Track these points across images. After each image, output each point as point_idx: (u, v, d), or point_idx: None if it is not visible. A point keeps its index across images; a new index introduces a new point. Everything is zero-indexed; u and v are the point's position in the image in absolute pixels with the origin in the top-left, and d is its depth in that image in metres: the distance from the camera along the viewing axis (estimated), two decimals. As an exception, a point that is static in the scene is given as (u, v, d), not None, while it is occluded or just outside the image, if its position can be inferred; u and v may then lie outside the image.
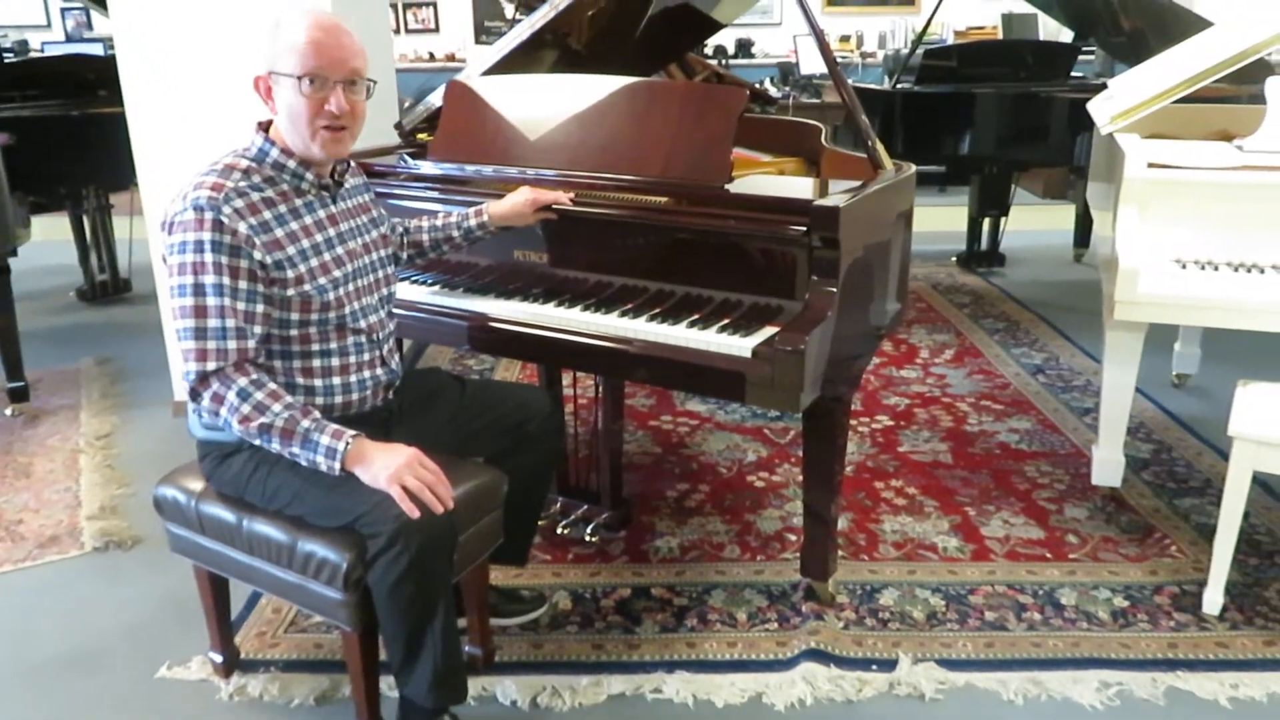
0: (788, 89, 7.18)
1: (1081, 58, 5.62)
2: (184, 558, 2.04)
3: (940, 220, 6.42)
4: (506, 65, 2.70)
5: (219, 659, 2.12)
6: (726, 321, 2.02)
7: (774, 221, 1.99)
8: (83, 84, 4.81)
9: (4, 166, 3.40)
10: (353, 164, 2.01)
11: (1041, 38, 7.38)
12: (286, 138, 1.81)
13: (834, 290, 1.94)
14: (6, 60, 5.25)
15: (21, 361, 3.59)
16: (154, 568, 2.54)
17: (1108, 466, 2.76)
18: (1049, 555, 2.57)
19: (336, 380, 1.88)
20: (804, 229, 1.94)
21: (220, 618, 2.09)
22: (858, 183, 2.17)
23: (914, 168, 2.37)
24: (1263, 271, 2.39)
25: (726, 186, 2.15)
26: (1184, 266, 2.44)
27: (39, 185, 4.37)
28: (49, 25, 8.78)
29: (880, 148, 2.35)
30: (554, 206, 2.18)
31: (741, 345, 1.93)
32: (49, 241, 5.57)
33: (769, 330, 1.96)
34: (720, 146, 2.17)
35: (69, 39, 8.67)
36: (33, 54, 7.84)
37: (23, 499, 2.94)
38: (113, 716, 2.04)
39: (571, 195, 2.19)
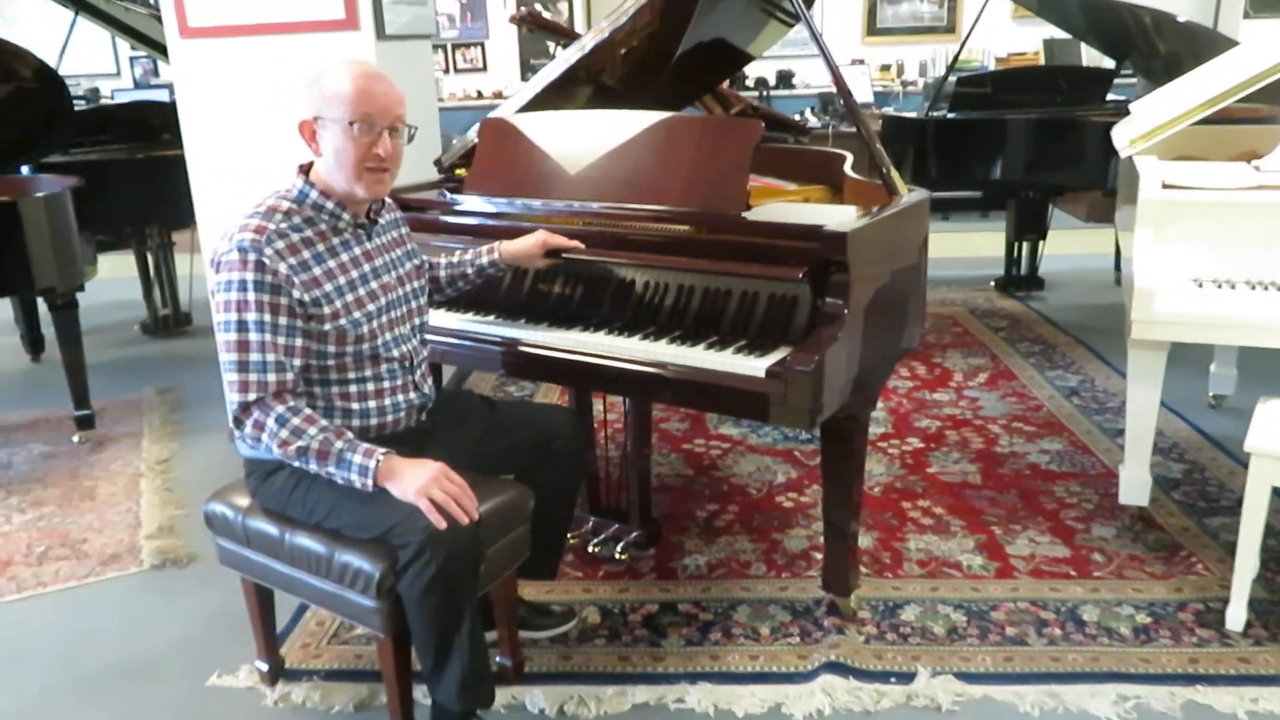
0: (828, 118, 7.27)
1: (1124, 81, 5.64)
2: (234, 573, 2.16)
3: (981, 245, 6.45)
4: (541, 102, 2.83)
5: (265, 668, 2.24)
6: (743, 343, 2.10)
7: (786, 247, 2.08)
8: (147, 128, 5.06)
9: (73, 207, 3.62)
10: (387, 200, 2.13)
11: (1085, 63, 7.38)
12: (330, 179, 1.93)
13: (844, 312, 2.01)
14: (78, 108, 5.54)
15: (88, 391, 3.79)
16: (207, 584, 2.68)
17: (1135, 486, 2.78)
18: (1073, 573, 2.59)
19: (372, 404, 2.00)
20: (814, 253, 2.02)
21: (266, 628, 2.21)
22: (874, 209, 2.26)
23: (928, 193, 2.44)
24: (1280, 289, 2.42)
25: (744, 214, 2.24)
26: (1200, 285, 2.48)
27: (105, 225, 4.61)
28: (119, 73, 9.20)
29: (895, 174, 2.43)
30: (564, 254, 2.28)
31: (756, 366, 2.01)
32: (115, 278, 5.83)
33: (783, 351, 2.04)
34: (736, 176, 2.27)
35: (137, 85, 9.08)
36: (103, 101, 8.22)
37: (87, 520, 3.11)
38: (166, 721, 2.18)
39: (581, 227, 2.29)
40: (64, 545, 2.94)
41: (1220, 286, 2.47)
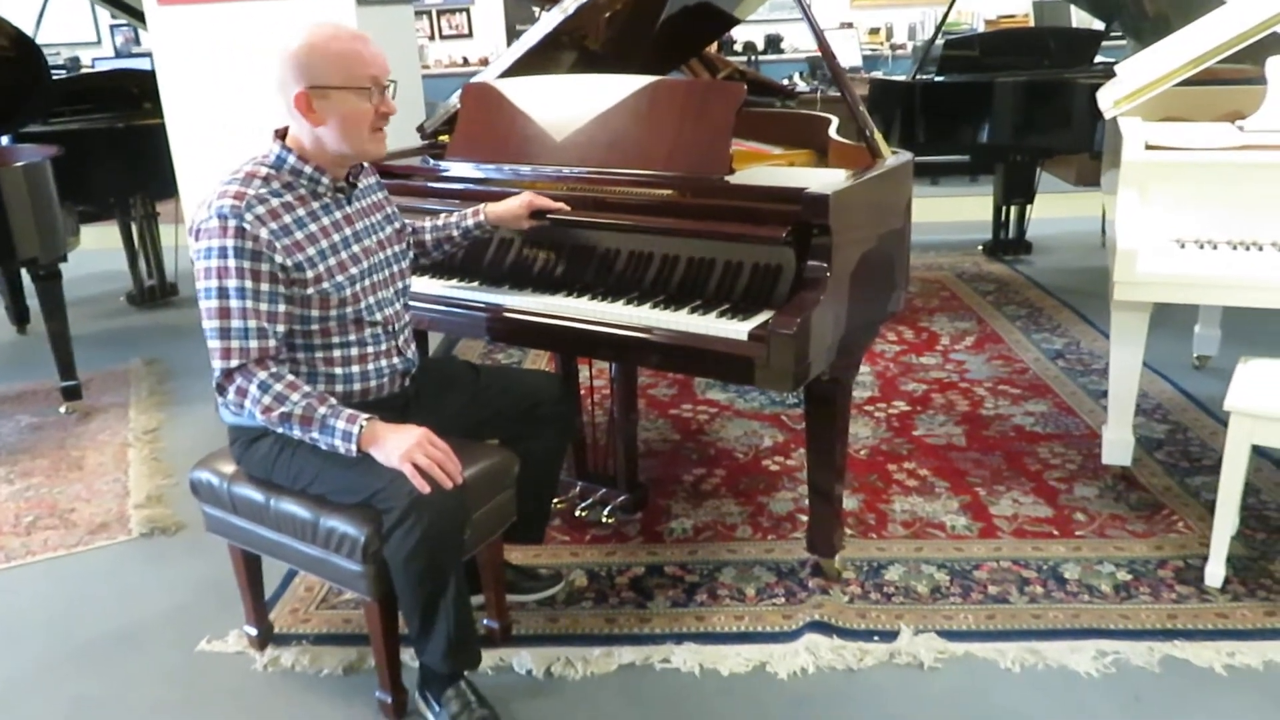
0: (816, 83, 7.23)
1: (1114, 44, 5.60)
2: (222, 540, 2.18)
3: (969, 209, 6.44)
4: (523, 66, 2.80)
5: (254, 633, 2.26)
6: (726, 307, 2.11)
7: (768, 211, 2.08)
8: (128, 97, 5.01)
9: (54, 177, 3.58)
10: (365, 165, 2.12)
11: (1074, 25, 7.34)
12: (335, 146, 1.90)
13: (827, 275, 2.02)
14: (58, 77, 5.48)
15: (74, 362, 3.78)
16: (196, 552, 2.69)
17: (1117, 446, 2.80)
18: (1056, 532, 2.62)
19: (355, 369, 2.00)
20: (797, 216, 2.02)
21: (254, 594, 2.23)
22: (857, 171, 2.25)
23: (911, 156, 2.43)
24: (1261, 249, 2.43)
25: (727, 178, 2.24)
26: (1183, 246, 2.48)
27: (88, 195, 4.57)
28: (99, 42, 9.09)
29: (879, 137, 2.42)
30: (549, 215, 2.27)
31: (739, 329, 2.01)
32: (100, 249, 5.79)
33: (765, 315, 2.04)
34: (720, 140, 2.26)
35: (118, 54, 8.98)
36: (84, 70, 8.12)
37: (76, 489, 3.11)
38: (157, 686, 2.19)
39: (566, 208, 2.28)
40: (52, 515, 2.95)
41: (1203, 247, 2.47)
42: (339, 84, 1.85)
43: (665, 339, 2.10)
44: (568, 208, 2.28)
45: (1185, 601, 2.30)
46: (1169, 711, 1.98)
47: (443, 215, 2.35)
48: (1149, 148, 2.53)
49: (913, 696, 2.05)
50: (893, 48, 8.55)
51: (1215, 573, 2.34)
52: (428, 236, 2.32)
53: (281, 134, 1.95)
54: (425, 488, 1.76)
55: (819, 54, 2.57)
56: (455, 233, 2.32)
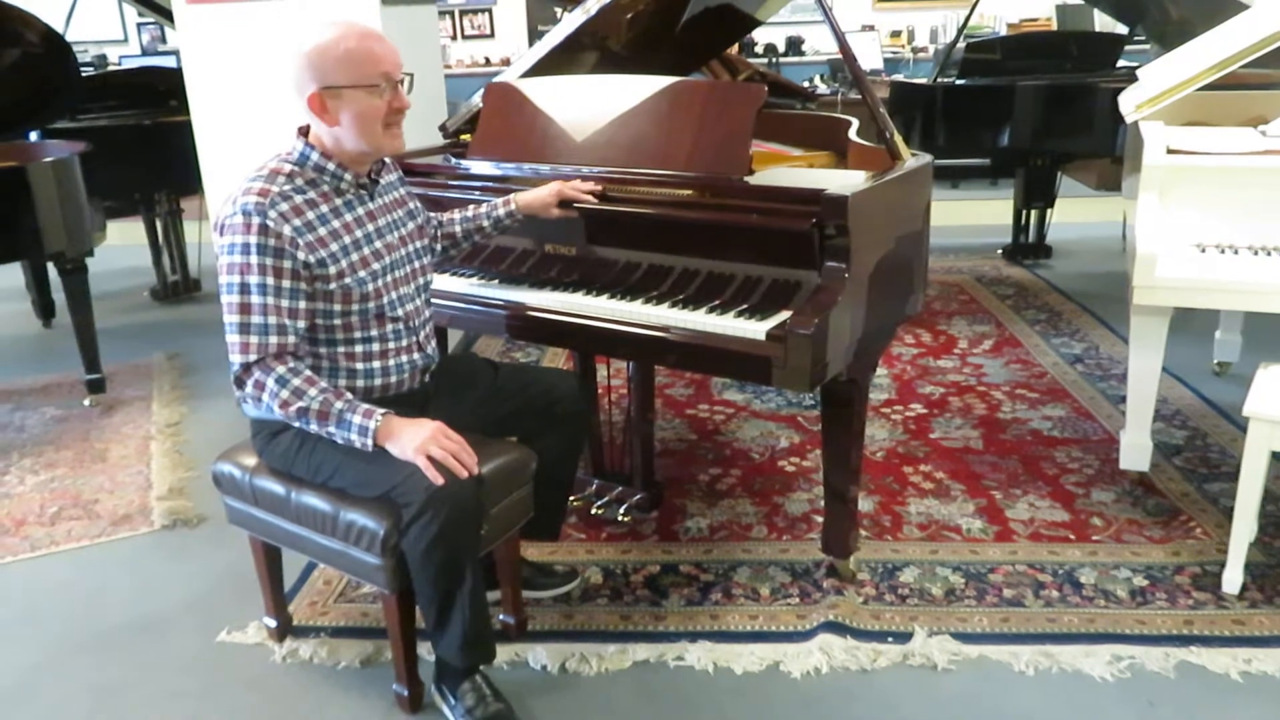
0: (837, 85, 7.23)
1: (1137, 48, 5.57)
2: (243, 532, 2.20)
3: (989, 213, 6.42)
4: (545, 67, 2.82)
5: (273, 624, 2.28)
6: (744, 307, 2.12)
7: (787, 211, 2.09)
8: (155, 95, 5.07)
9: (81, 173, 3.63)
10: (387, 161, 2.14)
11: (1097, 29, 7.30)
12: (353, 144, 1.92)
13: (845, 277, 2.02)
14: (85, 74, 5.54)
15: (99, 356, 3.82)
16: (217, 544, 2.72)
17: (1135, 451, 2.79)
18: (1072, 537, 2.61)
19: (376, 364, 2.02)
20: (815, 217, 2.03)
21: (274, 585, 2.26)
22: (876, 173, 2.26)
23: (931, 158, 2.43)
24: (1283, 254, 2.42)
25: (746, 179, 2.25)
26: (1204, 251, 2.47)
27: (114, 190, 4.63)
28: (126, 39, 9.18)
29: (899, 139, 2.42)
30: (575, 204, 2.29)
31: (757, 329, 2.02)
32: (124, 245, 5.86)
33: (783, 315, 2.05)
34: (740, 141, 2.27)
35: (144, 52, 9.07)
36: (111, 67, 8.21)
37: (99, 481, 3.16)
38: (177, 676, 2.22)
39: (597, 187, 2.30)
40: (76, 506, 2.99)
41: (1223, 252, 2.46)
42: (349, 83, 1.87)
43: (683, 338, 2.12)
44: (595, 200, 2.30)
45: (1202, 608, 2.29)
46: (1184, 718, 1.98)
47: (471, 206, 2.37)
48: (1170, 152, 2.53)
49: (926, 698, 2.06)
50: (914, 50, 8.53)
51: (1233, 579, 2.33)
52: (458, 228, 2.35)
53: (305, 131, 1.97)
54: (439, 480, 1.78)
55: (840, 56, 2.58)
56: (485, 223, 2.34)
